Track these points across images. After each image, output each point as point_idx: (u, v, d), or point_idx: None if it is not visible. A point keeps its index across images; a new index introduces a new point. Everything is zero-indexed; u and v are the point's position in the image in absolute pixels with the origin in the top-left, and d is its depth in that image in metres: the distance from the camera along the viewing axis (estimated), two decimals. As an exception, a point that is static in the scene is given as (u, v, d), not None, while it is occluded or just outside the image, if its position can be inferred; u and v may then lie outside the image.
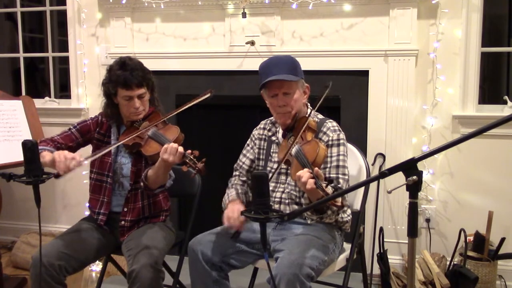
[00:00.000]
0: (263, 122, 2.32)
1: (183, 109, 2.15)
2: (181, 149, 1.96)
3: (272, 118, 2.24)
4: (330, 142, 2.07)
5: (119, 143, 2.15)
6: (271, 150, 2.20)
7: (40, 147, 2.00)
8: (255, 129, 2.32)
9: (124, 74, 2.09)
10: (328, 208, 1.97)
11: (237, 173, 2.30)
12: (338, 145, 2.07)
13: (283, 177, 2.13)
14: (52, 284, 1.98)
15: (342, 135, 2.10)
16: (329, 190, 1.73)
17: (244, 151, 2.31)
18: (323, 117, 2.19)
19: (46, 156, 1.99)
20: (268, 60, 2.10)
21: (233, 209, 2.02)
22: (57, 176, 1.93)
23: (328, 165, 2.05)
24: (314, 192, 1.78)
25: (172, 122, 3.17)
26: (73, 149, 2.23)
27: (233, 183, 2.26)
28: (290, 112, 2.06)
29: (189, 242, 2.11)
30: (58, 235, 2.22)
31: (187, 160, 1.95)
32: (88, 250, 2.13)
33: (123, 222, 2.20)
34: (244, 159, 2.29)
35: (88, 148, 2.31)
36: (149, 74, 2.20)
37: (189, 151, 1.98)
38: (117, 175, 2.23)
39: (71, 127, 2.27)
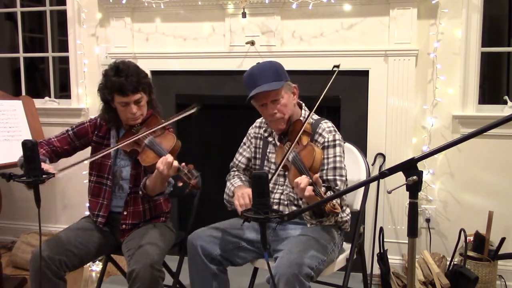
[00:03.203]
0: (258, 120, 2.30)
1: (168, 123, 2.17)
2: (175, 163, 1.92)
3: None
4: (326, 144, 2.05)
5: (117, 147, 2.14)
6: (268, 150, 2.19)
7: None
8: (251, 127, 2.31)
9: (119, 80, 2.06)
10: (328, 214, 1.95)
11: (234, 169, 2.30)
12: (334, 146, 2.05)
13: (281, 179, 2.12)
14: (52, 279, 1.98)
15: (338, 136, 2.08)
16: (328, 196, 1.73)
17: (240, 150, 2.30)
18: (318, 117, 2.17)
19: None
20: (250, 70, 2.07)
21: (243, 194, 1.99)
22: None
23: (325, 167, 2.03)
24: (312, 199, 1.77)
25: (172, 123, 3.19)
26: (69, 152, 2.28)
27: (233, 175, 2.25)
28: (282, 117, 2.04)
29: (188, 236, 2.10)
30: (59, 231, 2.22)
31: (181, 175, 1.90)
32: (88, 247, 2.14)
33: (124, 226, 2.20)
34: (241, 158, 2.28)
35: (87, 150, 2.31)
36: (145, 78, 2.16)
37: (183, 164, 1.93)
38: (116, 178, 2.23)
39: (69, 128, 2.26)
